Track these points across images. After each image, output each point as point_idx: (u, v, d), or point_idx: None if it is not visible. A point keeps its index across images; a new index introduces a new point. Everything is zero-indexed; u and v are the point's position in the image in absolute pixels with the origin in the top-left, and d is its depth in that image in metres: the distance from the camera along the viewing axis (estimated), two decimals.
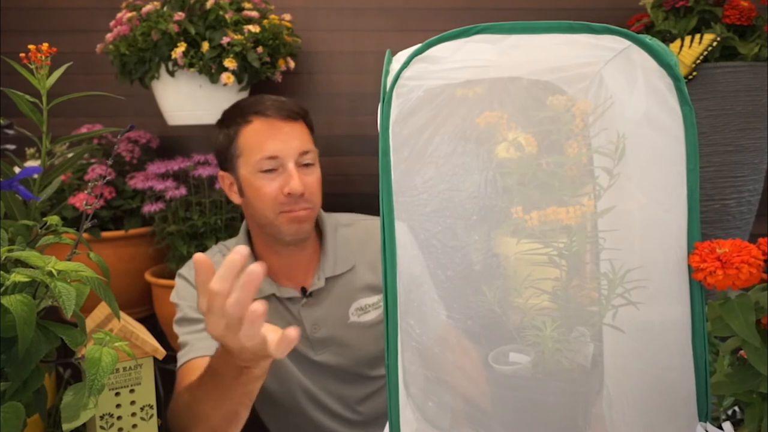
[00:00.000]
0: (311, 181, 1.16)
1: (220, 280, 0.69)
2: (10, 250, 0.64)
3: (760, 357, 0.58)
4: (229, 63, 1.39)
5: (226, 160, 1.20)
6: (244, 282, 0.68)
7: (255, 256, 1.21)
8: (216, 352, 0.88)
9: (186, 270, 1.21)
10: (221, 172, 1.24)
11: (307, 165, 1.17)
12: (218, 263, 1.23)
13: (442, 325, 0.68)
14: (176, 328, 1.15)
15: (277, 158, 1.14)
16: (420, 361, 0.67)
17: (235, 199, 1.22)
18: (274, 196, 1.14)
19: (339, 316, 1.20)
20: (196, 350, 1.08)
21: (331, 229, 1.24)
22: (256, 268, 0.68)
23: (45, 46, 0.80)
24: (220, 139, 1.21)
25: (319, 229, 1.25)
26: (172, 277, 1.45)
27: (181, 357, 1.09)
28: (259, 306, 0.69)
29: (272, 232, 1.17)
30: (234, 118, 1.19)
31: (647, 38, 0.60)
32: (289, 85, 1.62)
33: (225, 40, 1.38)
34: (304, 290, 1.20)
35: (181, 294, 1.17)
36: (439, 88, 0.66)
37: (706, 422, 0.61)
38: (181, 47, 1.37)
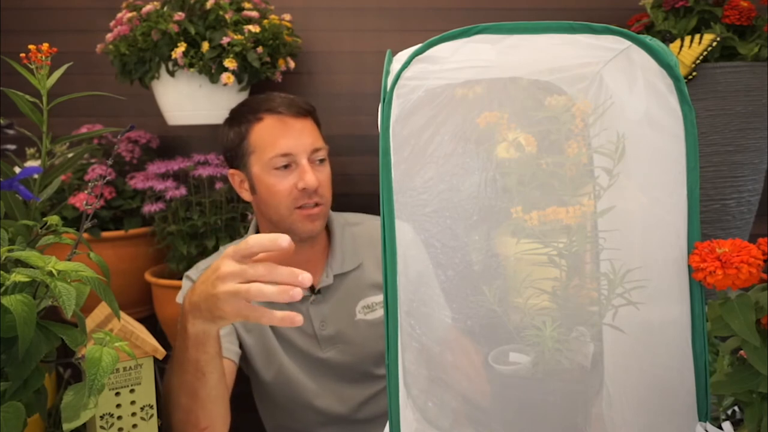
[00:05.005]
0: (323, 177, 1.18)
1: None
2: (10, 250, 0.64)
3: (760, 357, 0.58)
4: (229, 63, 1.38)
5: (237, 158, 1.21)
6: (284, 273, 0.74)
7: None
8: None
9: (194, 272, 1.21)
10: (231, 170, 1.24)
11: (320, 161, 1.19)
12: None
13: (443, 326, 0.68)
14: None
15: (291, 155, 1.15)
16: (420, 361, 0.67)
17: (246, 196, 1.23)
18: (288, 193, 1.15)
19: (346, 313, 1.20)
20: None
21: (339, 227, 1.25)
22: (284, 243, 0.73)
23: (45, 46, 0.80)
24: (230, 136, 1.21)
25: (327, 226, 1.25)
26: (172, 277, 1.45)
27: None
28: (297, 316, 0.73)
29: (285, 229, 1.16)
30: (245, 115, 1.20)
31: (647, 38, 0.60)
32: (289, 85, 1.61)
33: (225, 40, 1.38)
34: (312, 287, 1.20)
35: None
36: (440, 88, 0.66)
37: (705, 422, 0.61)
38: (181, 47, 1.37)
